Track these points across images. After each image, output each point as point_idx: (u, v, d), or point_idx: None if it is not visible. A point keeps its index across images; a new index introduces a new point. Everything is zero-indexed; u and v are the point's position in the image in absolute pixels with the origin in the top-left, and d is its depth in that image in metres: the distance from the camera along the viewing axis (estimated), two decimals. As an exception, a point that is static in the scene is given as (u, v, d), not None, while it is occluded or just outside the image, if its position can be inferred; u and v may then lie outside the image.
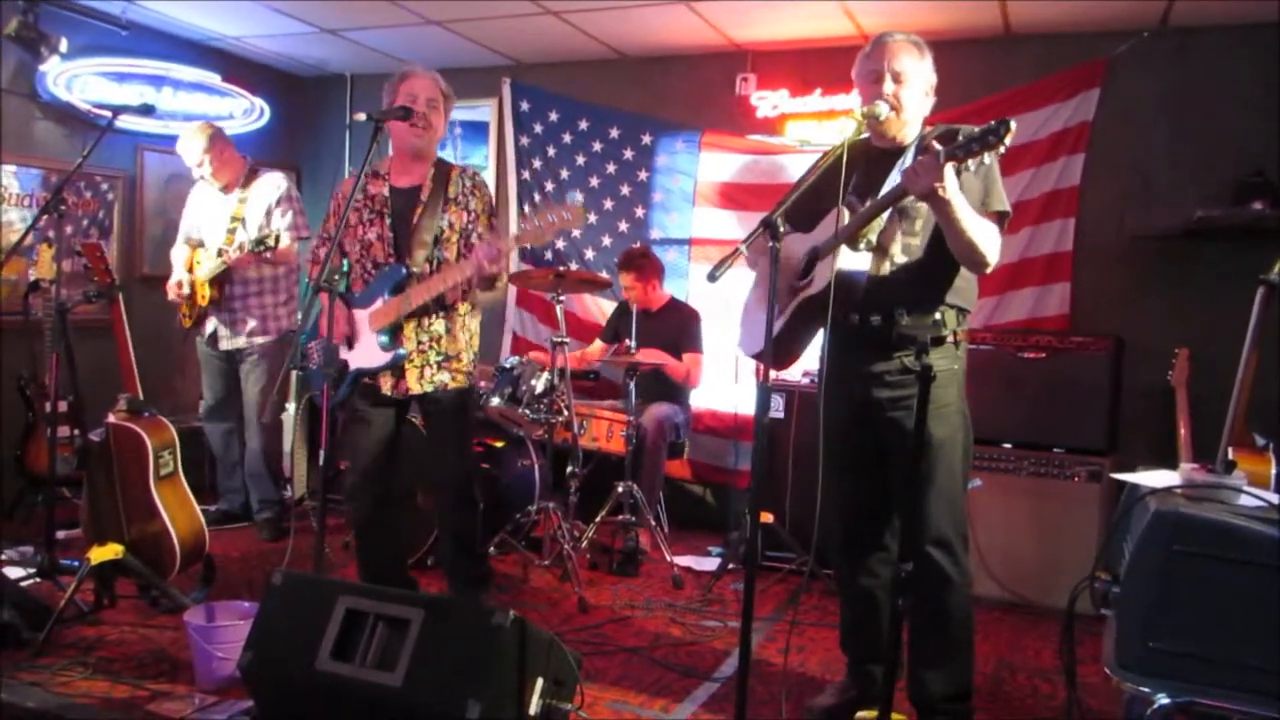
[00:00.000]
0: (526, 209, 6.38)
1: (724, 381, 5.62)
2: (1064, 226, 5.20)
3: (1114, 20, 4.98)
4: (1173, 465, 2.96)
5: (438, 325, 3.76)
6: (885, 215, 2.86)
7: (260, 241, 4.77)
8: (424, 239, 3.71)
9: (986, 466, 4.63)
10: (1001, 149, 2.51)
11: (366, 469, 3.82)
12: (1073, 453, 4.58)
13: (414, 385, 3.75)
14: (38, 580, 3.96)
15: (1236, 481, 2.54)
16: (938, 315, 2.93)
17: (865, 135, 3.00)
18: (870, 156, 2.99)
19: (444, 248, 3.74)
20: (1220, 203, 4.77)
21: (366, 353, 3.75)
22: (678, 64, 6.11)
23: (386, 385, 3.77)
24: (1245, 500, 2.47)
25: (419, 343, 3.73)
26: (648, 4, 5.16)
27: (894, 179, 2.77)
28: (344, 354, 3.80)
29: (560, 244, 6.28)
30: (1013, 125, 2.47)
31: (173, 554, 3.92)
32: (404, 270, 3.69)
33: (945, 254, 2.85)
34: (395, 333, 3.72)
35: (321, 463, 3.23)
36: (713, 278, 2.69)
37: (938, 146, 2.60)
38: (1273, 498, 2.48)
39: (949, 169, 2.58)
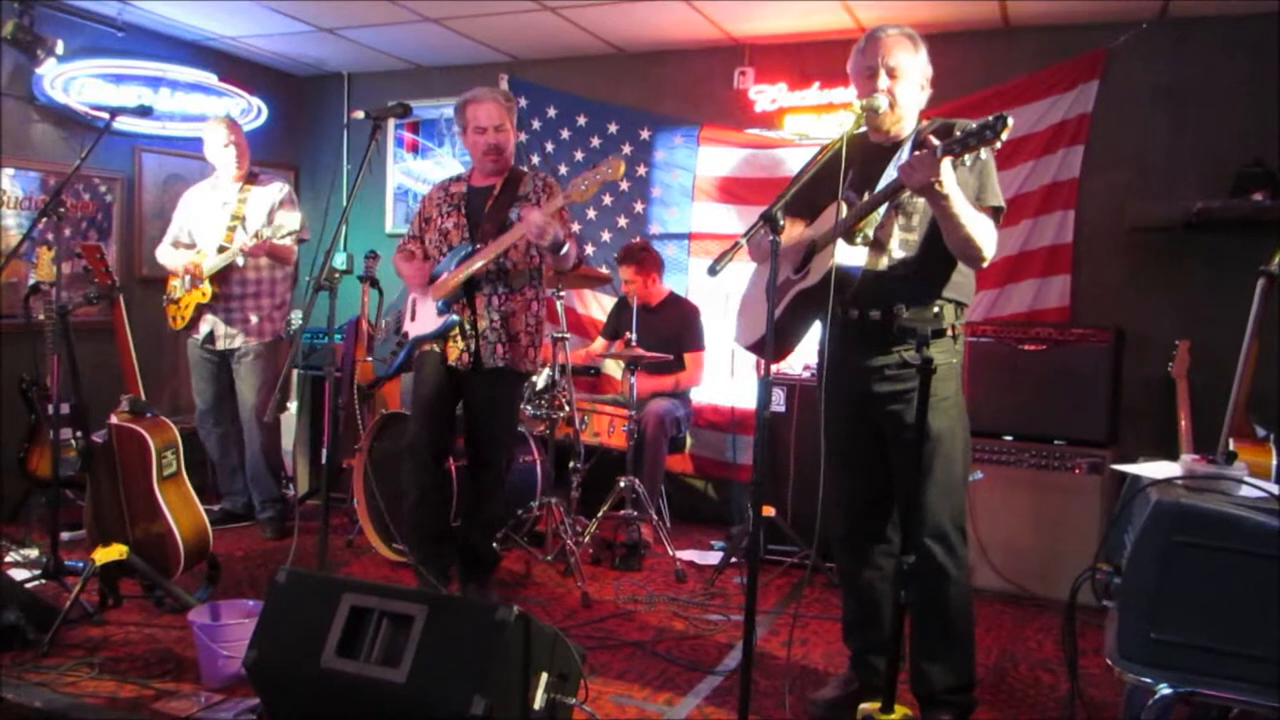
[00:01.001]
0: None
1: (722, 376, 5.62)
2: (1064, 218, 5.20)
3: (1112, 12, 4.98)
4: (1174, 457, 2.97)
5: (506, 306, 3.99)
6: (882, 210, 2.86)
7: (279, 227, 4.84)
8: (493, 224, 3.96)
9: (987, 459, 4.64)
10: (998, 144, 2.51)
11: (426, 427, 4.08)
12: (1073, 444, 4.58)
13: (481, 361, 3.96)
14: (43, 582, 3.97)
15: (1237, 472, 2.55)
16: (936, 309, 2.94)
17: (863, 130, 3.00)
18: (867, 151, 3.00)
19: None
20: (1220, 194, 4.77)
21: (424, 320, 4.05)
22: (675, 59, 6.11)
23: (453, 355, 3.99)
24: (1246, 491, 2.47)
25: (490, 320, 3.97)
26: (645, -1, 5.17)
27: (891, 174, 2.77)
28: (406, 325, 4.13)
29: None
30: (1009, 121, 2.47)
31: (177, 554, 3.93)
32: (470, 248, 3.95)
33: (942, 249, 2.85)
34: (451, 302, 3.97)
35: (324, 461, 3.24)
36: (713, 271, 2.69)
37: (935, 141, 2.59)
38: (1274, 488, 2.48)
39: (946, 164, 2.58)
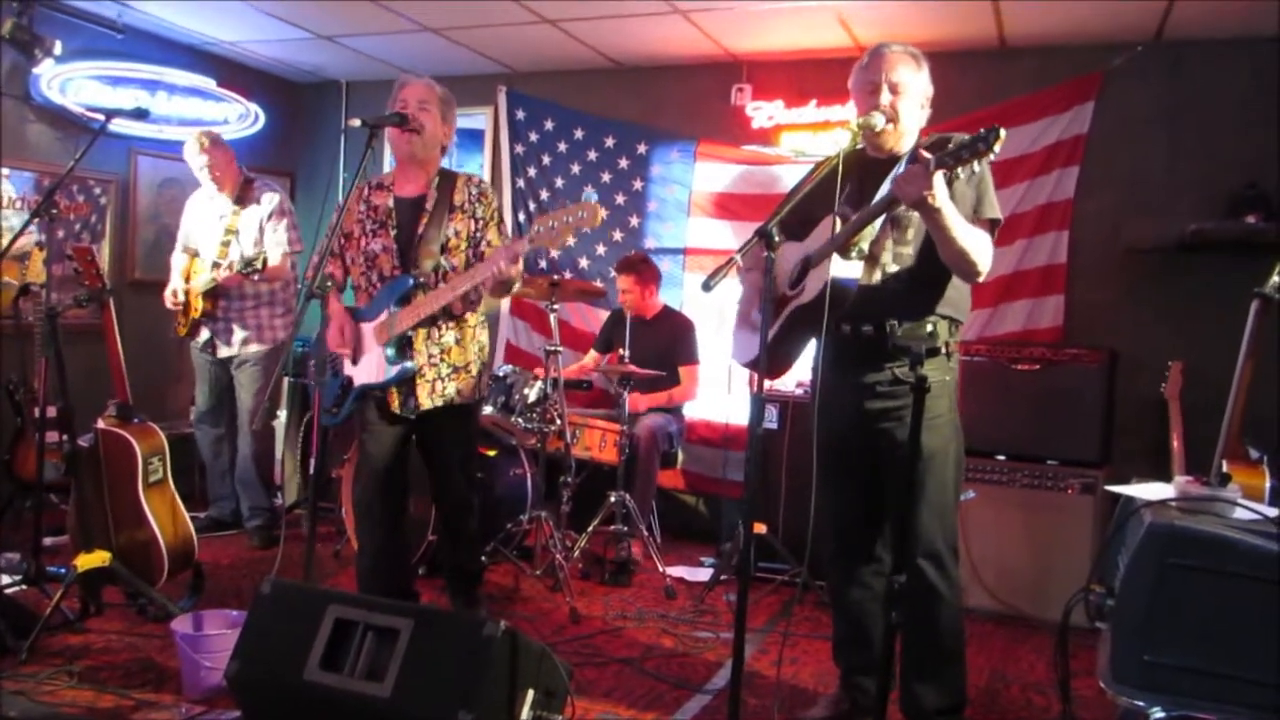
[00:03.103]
0: (533, 211, 6.35)
1: (717, 392, 5.60)
2: (1058, 239, 5.21)
3: (1109, 33, 4.99)
4: (1167, 478, 2.96)
5: (448, 336, 3.69)
6: (877, 224, 2.85)
7: (249, 263, 4.73)
8: (431, 248, 3.62)
9: (980, 478, 4.63)
10: (991, 156, 2.49)
11: (377, 484, 3.74)
12: (1066, 465, 4.57)
13: (424, 400, 3.64)
14: (24, 587, 3.92)
15: (1231, 494, 2.54)
16: (930, 326, 2.93)
17: (860, 146, 2.99)
18: (865, 167, 2.99)
19: (451, 256, 3.64)
20: (1214, 215, 4.79)
21: (371, 367, 3.66)
22: (674, 74, 6.11)
23: (396, 402, 3.66)
24: (1240, 513, 2.47)
25: (429, 355, 3.65)
26: (644, 14, 5.16)
27: (886, 188, 2.76)
28: (348, 370, 3.73)
29: (554, 252, 6.28)
30: (1002, 133, 2.45)
31: (161, 561, 3.89)
32: (410, 280, 3.59)
33: (937, 263, 2.84)
34: (403, 346, 3.62)
35: (313, 470, 3.21)
36: (707, 287, 2.67)
37: (927, 155, 2.59)
38: (1268, 511, 2.47)
39: (939, 177, 2.57)
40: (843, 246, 2.81)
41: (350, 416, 3.77)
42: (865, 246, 2.86)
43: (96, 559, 3.77)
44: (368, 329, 3.69)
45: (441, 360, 3.67)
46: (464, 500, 3.90)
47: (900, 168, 2.78)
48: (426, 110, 3.63)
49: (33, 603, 3.82)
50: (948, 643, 3.01)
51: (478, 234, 3.69)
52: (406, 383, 3.63)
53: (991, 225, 2.86)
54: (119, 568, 3.82)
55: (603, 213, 3.29)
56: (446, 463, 3.84)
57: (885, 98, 2.92)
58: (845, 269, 2.80)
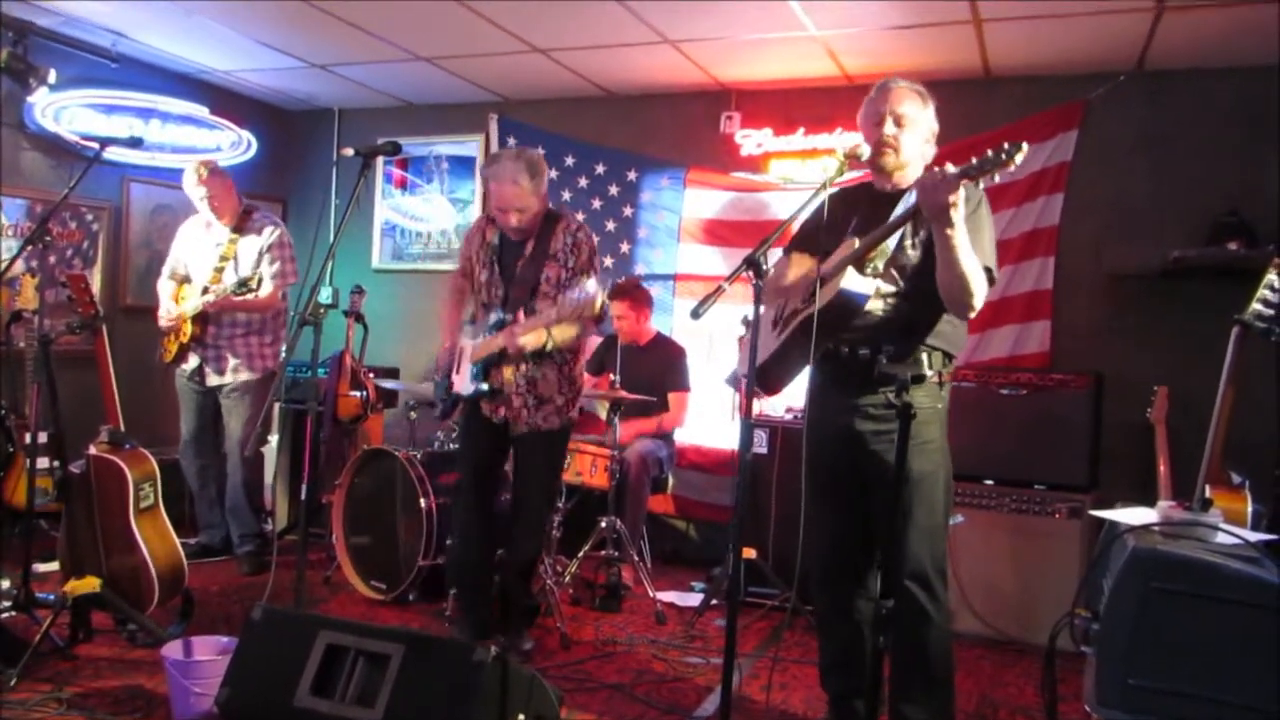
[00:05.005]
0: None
1: (717, 416, 5.63)
2: (1044, 265, 5.28)
3: (1091, 63, 5.08)
4: (1154, 502, 2.99)
5: (533, 371, 4.01)
6: (892, 244, 2.91)
7: (243, 283, 4.75)
8: (522, 289, 4.00)
9: (968, 503, 4.66)
10: (1012, 167, 2.55)
11: (471, 475, 4.17)
12: (1054, 489, 4.60)
13: (513, 425, 4.02)
14: (13, 614, 3.91)
15: (1213, 519, 2.57)
16: (923, 355, 2.98)
17: (858, 176, 3.10)
18: (873, 199, 3.08)
19: (540, 300, 3.96)
20: (1196, 242, 4.85)
21: (464, 380, 4.09)
22: (663, 102, 6.18)
23: (487, 409, 4.06)
24: (1222, 538, 2.50)
25: (518, 385, 4.00)
26: (635, 44, 5.23)
27: (909, 199, 2.82)
28: (455, 377, 4.15)
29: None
30: (1025, 146, 2.52)
31: (151, 587, 3.88)
32: (501, 316, 3.98)
33: (932, 298, 2.88)
34: (486, 368, 4.02)
35: (304, 496, 3.22)
36: (696, 314, 2.71)
37: (950, 167, 2.63)
38: (1249, 535, 2.50)
39: (961, 188, 2.62)
40: (859, 262, 2.86)
41: (450, 413, 4.27)
42: (880, 264, 2.92)
43: (87, 585, 3.77)
44: (468, 346, 4.11)
45: (529, 391, 4.01)
46: (537, 516, 4.20)
47: (911, 199, 2.82)
48: (525, 211, 3.95)
49: (22, 628, 3.82)
50: (937, 666, 3.03)
51: (568, 281, 3.97)
52: (500, 402, 4.02)
53: (987, 272, 2.86)
54: (109, 594, 3.82)
55: (601, 301, 3.66)
56: (525, 481, 4.17)
57: (890, 129, 3.00)
58: (859, 283, 2.85)
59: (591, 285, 3.67)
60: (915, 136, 3.03)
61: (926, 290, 2.89)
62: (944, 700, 3.07)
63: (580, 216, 6.21)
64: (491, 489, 4.25)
